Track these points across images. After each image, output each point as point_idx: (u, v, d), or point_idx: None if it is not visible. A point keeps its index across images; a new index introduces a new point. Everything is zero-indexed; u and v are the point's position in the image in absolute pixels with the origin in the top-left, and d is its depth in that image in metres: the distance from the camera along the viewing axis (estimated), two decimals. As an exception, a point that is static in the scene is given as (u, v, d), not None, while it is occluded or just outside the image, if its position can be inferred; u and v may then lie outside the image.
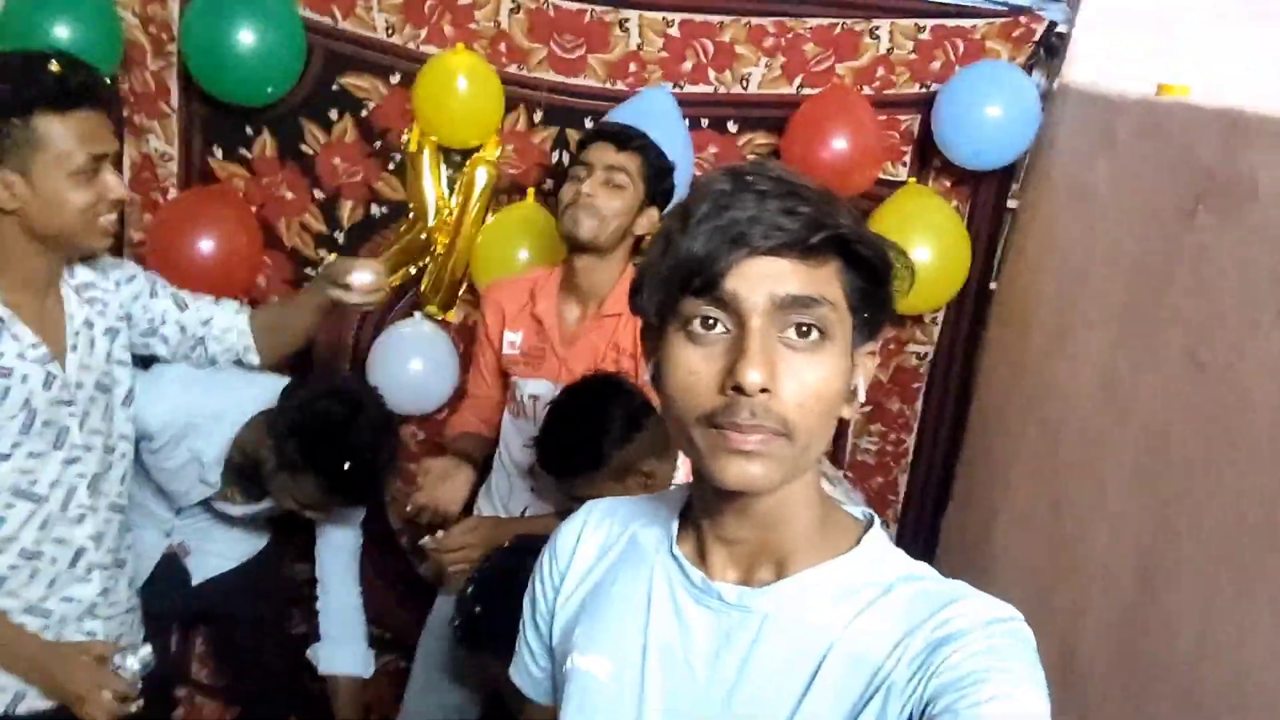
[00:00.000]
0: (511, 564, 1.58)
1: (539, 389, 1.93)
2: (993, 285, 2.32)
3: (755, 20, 2.19)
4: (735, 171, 0.75)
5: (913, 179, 2.25)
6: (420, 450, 2.44)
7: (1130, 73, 1.95)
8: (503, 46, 2.21)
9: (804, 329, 0.72)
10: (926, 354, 2.39)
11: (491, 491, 2.06)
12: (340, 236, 2.32)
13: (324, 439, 1.73)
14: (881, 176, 2.24)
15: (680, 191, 2.18)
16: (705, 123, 2.25)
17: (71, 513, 1.59)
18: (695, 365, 0.73)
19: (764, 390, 0.70)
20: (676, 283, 0.73)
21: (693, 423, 0.73)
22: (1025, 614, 0.73)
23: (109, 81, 1.50)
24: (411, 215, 2.25)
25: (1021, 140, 2.08)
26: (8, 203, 1.42)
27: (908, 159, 2.28)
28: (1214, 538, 1.22)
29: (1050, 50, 2.19)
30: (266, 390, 1.84)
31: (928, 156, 2.27)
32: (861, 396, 0.78)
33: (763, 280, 0.71)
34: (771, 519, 0.78)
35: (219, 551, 2.13)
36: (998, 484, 2.09)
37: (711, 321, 0.72)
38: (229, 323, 1.81)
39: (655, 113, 2.11)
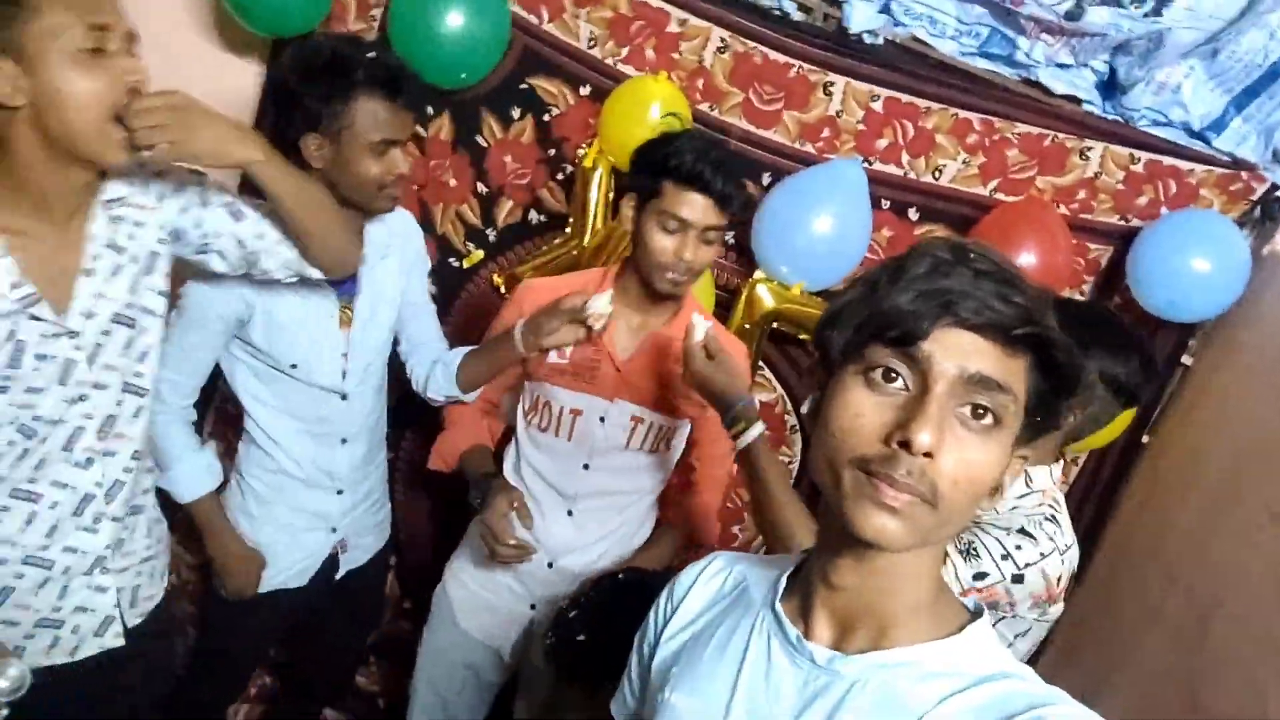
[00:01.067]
0: (619, 596, 1.58)
1: (585, 404, 1.82)
2: (1145, 438, 2.19)
3: (963, 114, 2.10)
4: (958, 245, 0.78)
5: (1088, 311, 2.13)
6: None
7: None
8: (700, 83, 2.15)
9: (980, 411, 0.73)
10: (1058, 492, 2.26)
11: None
12: (492, 234, 2.27)
13: (338, 52, 1.64)
14: (1056, 301, 2.14)
15: (842, 262, 2.10)
16: (886, 204, 2.16)
17: (76, 455, 1.43)
18: (865, 409, 0.75)
19: (927, 454, 0.71)
20: (871, 329, 0.76)
21: (845, 464, 0.74)
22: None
23: None
24: (569, 230, 2.19)
25: (1225, 299, 1.95)
26: (10, 97, 1.18)
27: (1087, 289, 2.17)
28: None
29: (1266, 212, 2.07)
30: None
31: (1108, 291, 2.16)
32: (1006, 495, 0.79)
33: (959, 352, 0.73)
34: (885, 578, 0.79)
35: (365, 545, 2.09)
36: (1118, 646, 1.95)
37: (894, 375, 0.75)
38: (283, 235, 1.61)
39: (843, 182, 2.03)
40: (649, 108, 2.05)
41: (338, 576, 2.05)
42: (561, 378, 1.83)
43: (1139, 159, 2.07)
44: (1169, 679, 1.73)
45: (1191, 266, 1.93)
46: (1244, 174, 2.04)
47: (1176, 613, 1.80)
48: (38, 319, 1.34)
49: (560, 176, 2.22)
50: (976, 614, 0.81)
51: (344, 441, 1.93)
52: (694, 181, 1.63)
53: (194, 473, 1.84)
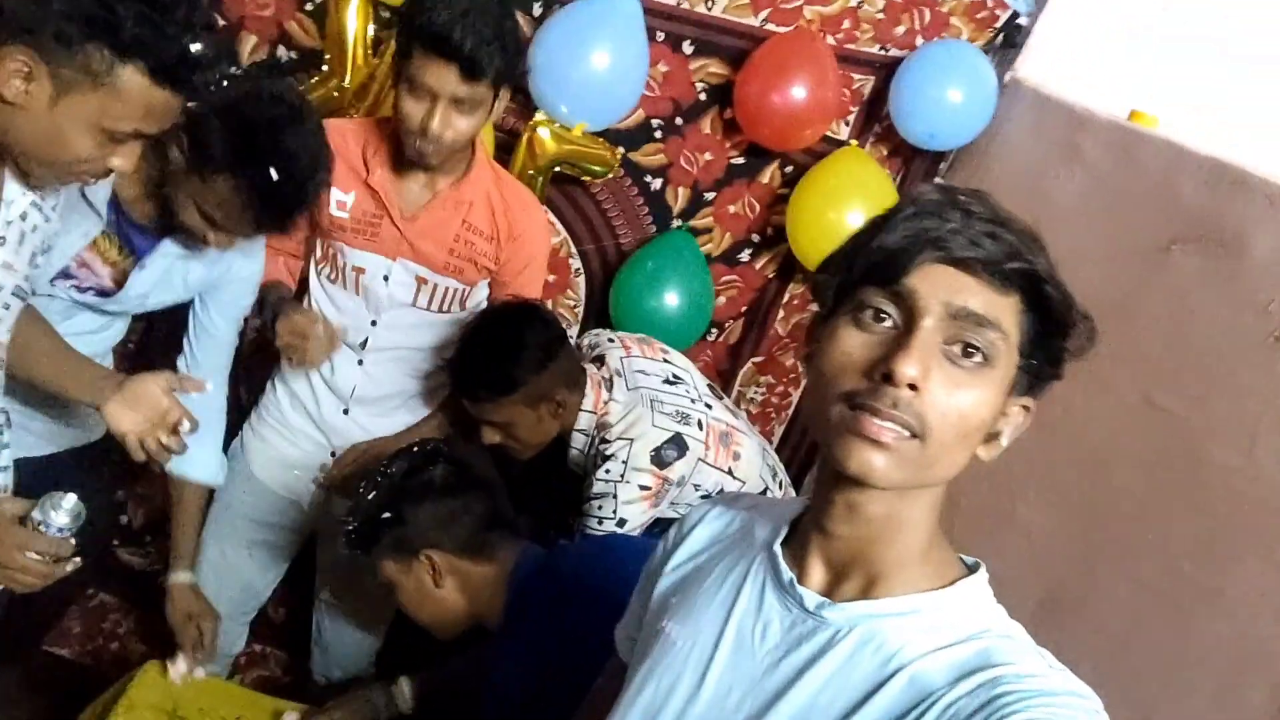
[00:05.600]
0: (416, 468, 1.58)
1: (368, 262, 1.78)
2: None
3: (734, -62, 2.05)
4: (949, 189, 0.78)
5: (854, 141, 2.22)
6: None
7: (1085, 85, 1.99)
8: (458, -100, 1.96)
9: (970, 349, 0.73)
10: (826, 315, 2.40)
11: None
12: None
13: (256, 136, 1.44)
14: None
15: (622, 99, 2.05)
16: (661, 36, 2.10)
17: None
18: (852, 347, 0.75)
19: (912, 387, 0.71)
20: (860, 270, 0.75)
21: (833, 399, 0.74)
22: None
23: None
24: (325, 69, 1.99)
25: (975, 127, 2.08)
26: (14, 94, 1.13)
27: (851, 119, 2.25)
28: (1135, 580, 1.29)
29: (1008, 40, 2.20)
30: None
31: (869, 121, 2.25)
32: (1004, 443, 0.78)
33: (945, 288, 0.72)
34: (877, 526, 0.78)
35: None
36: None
37: (884, 315, 0.74)
38: None
39: (618, 14, 1.96)
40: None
41: None
42: (344, 234, 1.76)
43: (899, -12, 2.13)
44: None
45: (947, 97, 2.04)
46: (989, 1, 2.15)
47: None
48: None
49: (309, 6, 1.99)
50: (973, 570, 0.81)
51: None
52: (436, 48, 1.52)
53: None
